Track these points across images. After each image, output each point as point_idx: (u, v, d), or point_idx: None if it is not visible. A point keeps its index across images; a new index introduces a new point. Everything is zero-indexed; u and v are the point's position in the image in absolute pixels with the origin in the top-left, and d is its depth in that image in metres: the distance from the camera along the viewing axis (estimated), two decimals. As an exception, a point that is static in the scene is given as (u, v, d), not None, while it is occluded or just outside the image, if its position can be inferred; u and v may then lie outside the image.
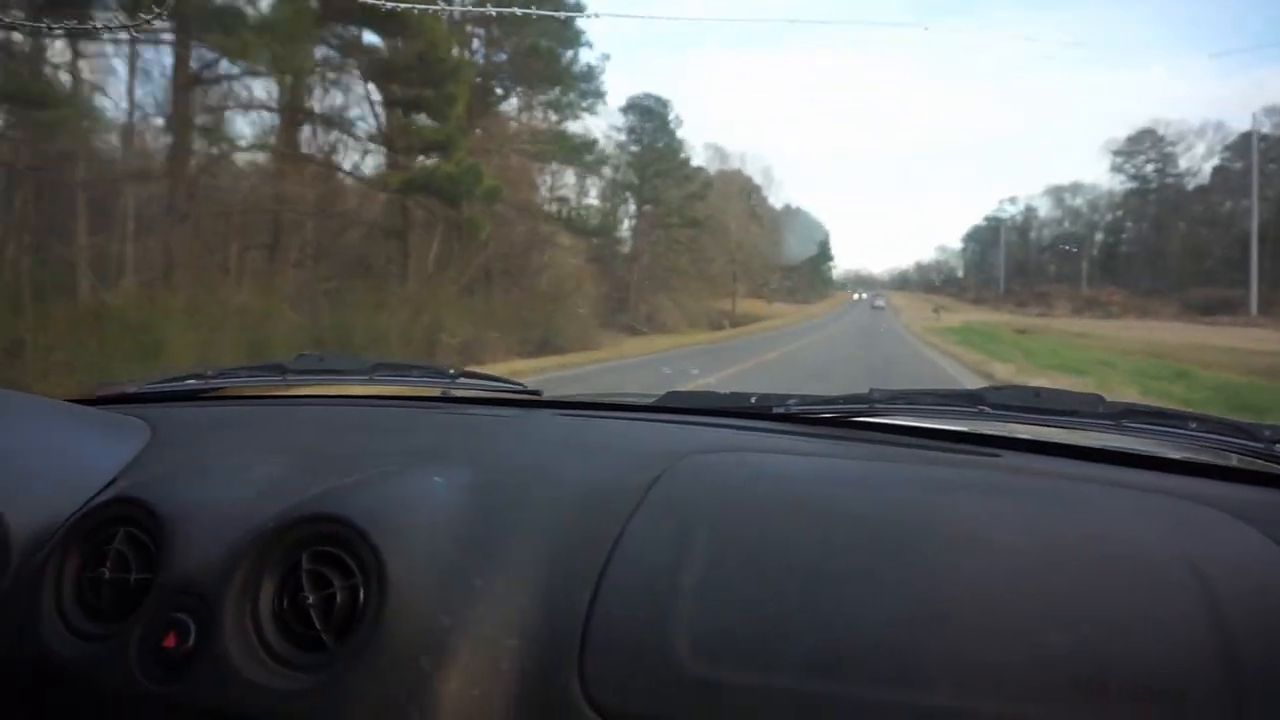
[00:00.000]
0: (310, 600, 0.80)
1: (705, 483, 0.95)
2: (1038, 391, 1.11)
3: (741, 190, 35.47)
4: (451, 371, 1.45)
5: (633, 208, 30.10)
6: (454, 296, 16.75)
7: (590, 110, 22.80)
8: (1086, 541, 0.82)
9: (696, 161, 33.53)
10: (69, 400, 1.40)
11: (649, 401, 1.37)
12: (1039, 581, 0.77)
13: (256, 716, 0.78)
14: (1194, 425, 1.05)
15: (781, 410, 1.21)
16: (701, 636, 0.76)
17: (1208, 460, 1.03)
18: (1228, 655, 0.69)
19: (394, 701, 0.76)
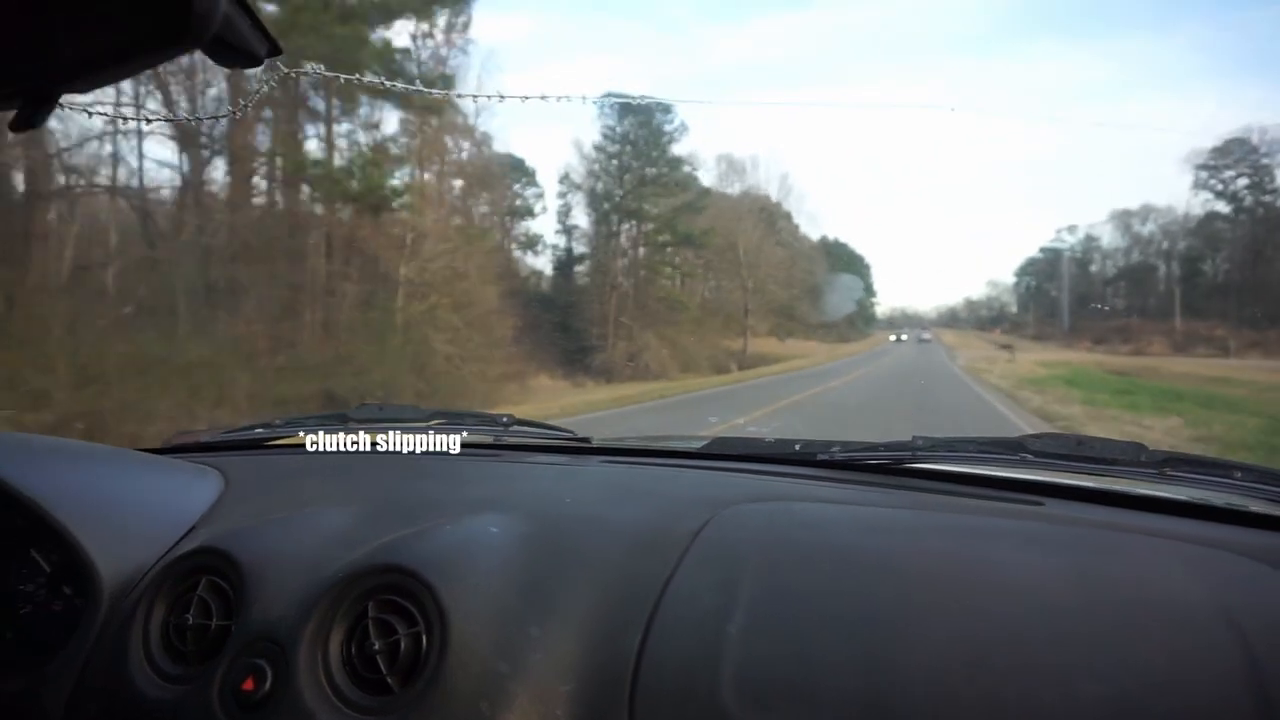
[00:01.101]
0: (377, 647, 0.86)
1: (750, 531, 0.99)
2: (1080, 439, 1.13)
3: (761, 210, 31.60)
4: (505, 420, 1.51)
5: (617, 226, 25.66)
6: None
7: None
8: (1124, 591, 0.83)
9: (705, 180, 29.12)
10: (144, 450, 1.48)
11: (695, 448, 1.41)
12: (1075, 630, 0.79)
13: None
14: (1239, 474, 1.05)
15: (825, 457, 1.24)
16: (747, 682, 0.79)
17: (1251, 509, 1.03)
18: (1264, 711, 0.70)
19: None
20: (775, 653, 0.81)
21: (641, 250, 26.32)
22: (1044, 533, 0.98)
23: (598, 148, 25.75)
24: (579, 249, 26.62)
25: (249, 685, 0.86)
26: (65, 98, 0.57)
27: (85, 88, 0.55)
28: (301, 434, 1.58)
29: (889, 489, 1.15)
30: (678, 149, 26.05)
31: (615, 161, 25.89)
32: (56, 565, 1.20)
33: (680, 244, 26.58)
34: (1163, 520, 1.00)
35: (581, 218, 26.41)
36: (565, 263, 26.28)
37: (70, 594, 1.17)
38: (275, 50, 0.56)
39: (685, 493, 1.14)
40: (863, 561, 0.91)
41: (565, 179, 26.60)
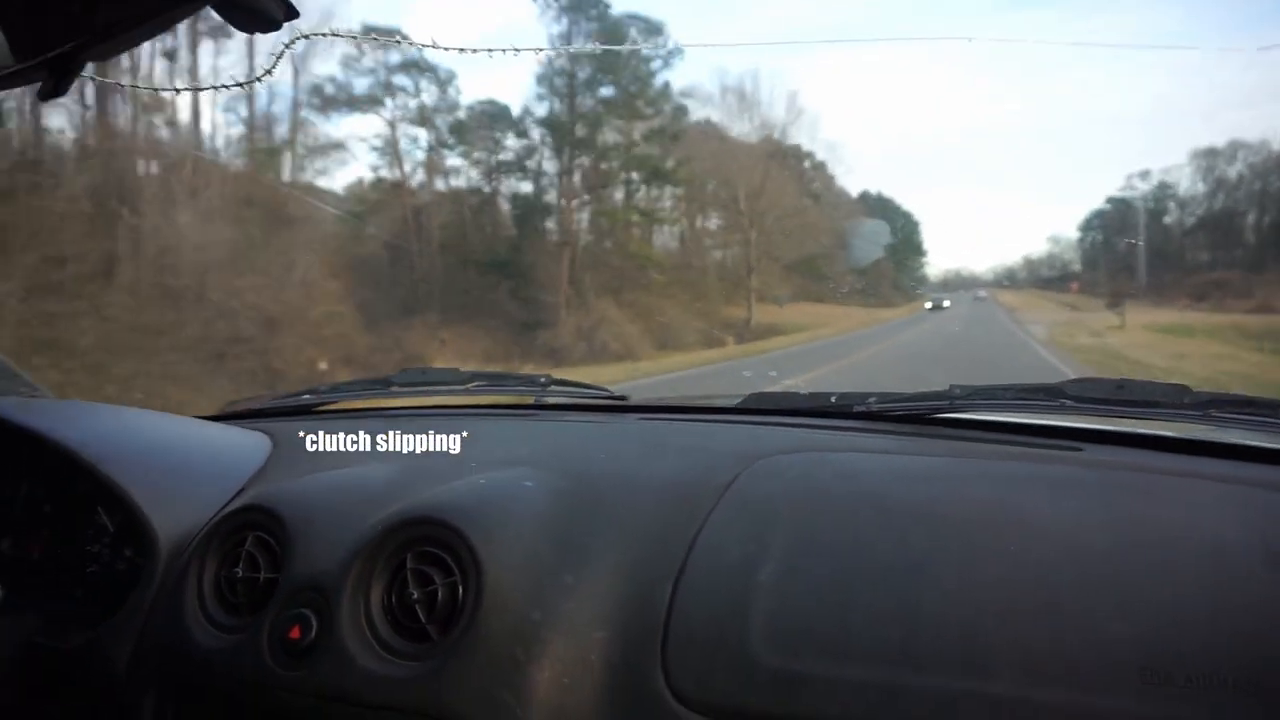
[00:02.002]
0: (415, 596, 0.89)
1: (783, 481, 0.99)
2: (1121, 383, 1.10)
3: (773, 150, 25.02)
4: (543, 380, 1.53)
5: (569, 163, 19.64)
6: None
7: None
8: (1162, 533, 0.82)
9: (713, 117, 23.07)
10: (200, 417, 1.54)
11: (732, 404, 1.41)
12: (1110, 573, 0.78)
13: (370, 700, 0.86)
14: None
15: (862, 409, 1.23)
16: (778, 628, 0.80)
17: None
18: None
19: (492, 688, 0.82)
20: (807, 601, 0.82)
21: (603, 194, 20.51)
22: (1082, 478, 0.96)
23: (550, 62, 19.92)
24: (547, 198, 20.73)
25: (295, 634, 0.90)
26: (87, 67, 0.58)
27: (107, 54, 0.56)
28: (347, 398, 1.63)
29: (925, 438, 1.14)
30: (672, 81, 21.21)
31: (566, 80, 19.88)
32: (119, 526, 1.26)
33: (648, 181, 21.24)
34: (1206, 463, 0.98)
35: (550, 162, 20.62)
36: (525, 216, 20.77)
37: (131, 554, 1.23)
38: (292, 13, 0.56)
39: (719, 446, 1.15)
40: (897, 509, 0.91)
41: (527, 113, 20.82)
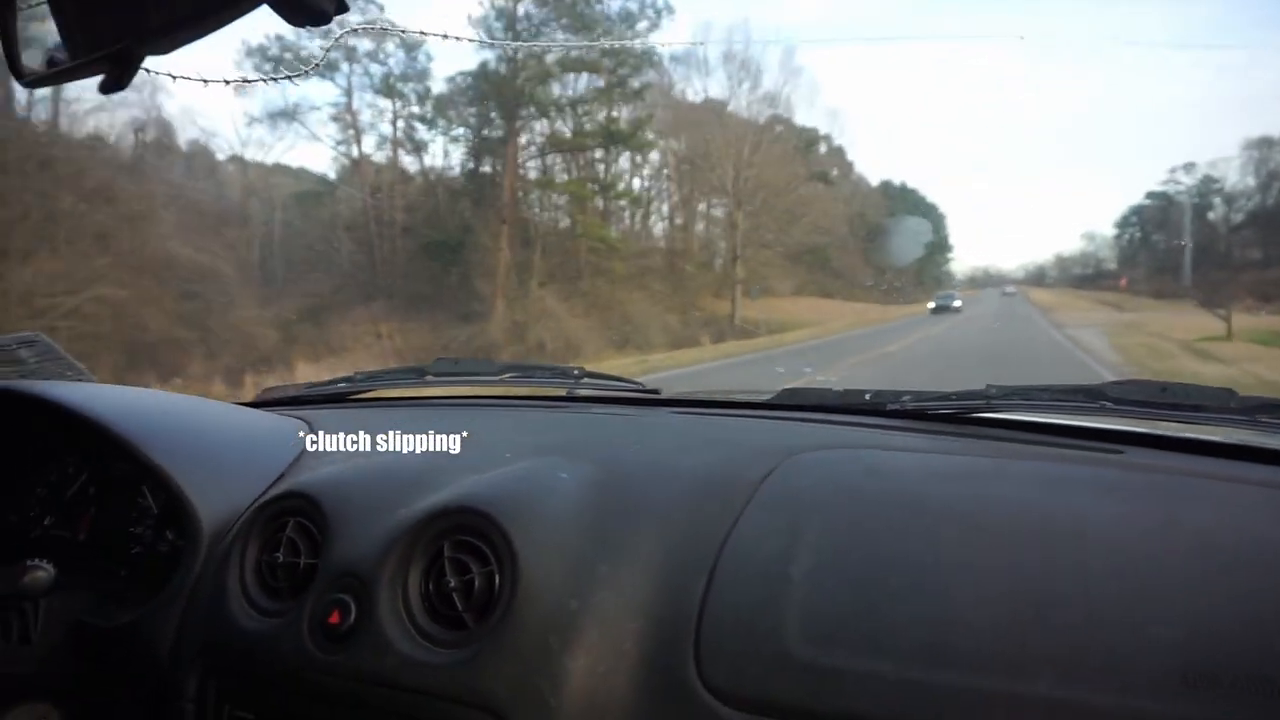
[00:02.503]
0: (452, 584, 0.90)
1: (818, 477, 0.99)
2: (1164, 386, 1.09)
3: (769, 121, 22.12)
4: (576, 372, 1.54)
5: (507, 127, 16.75)
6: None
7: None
8: (1206, 537, 0.81)
9: (714, 91, 20.70)
10: (239, 404, 1.57)
11: (765, 399, 1.41)
12: (1152, 575, 0.77)
13: (407, 685, 0.88)
14: None
15: (896, 407, 1.23)
16: (812, 623, 0.80)
17: None
18: None
19: (527, 676, 0.83)
20: (841, 596, 0.82)
21: (552, 162, 16.74)
22: (1123, 480, 0.95)
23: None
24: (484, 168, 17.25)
25: (335, 618, 0.92)
26: (147, 60, 0.60)
27: (166, 48, 0.57)
28: (381, 387, 1.65)
29: (961, 438, 1.14)
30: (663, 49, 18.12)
31: (506, 23, 16.61)
32: (162, 509, 1.28)
33: (605, 146, 17.65)
34: (1252, 468, 0.96)
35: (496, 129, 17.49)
36: (479, 193, 17.48)
37: (173, 537, 1.26)
38: (343, 7, 0.56)
39: (752, 441, 1.15)
40: (932, 508, 0.90)
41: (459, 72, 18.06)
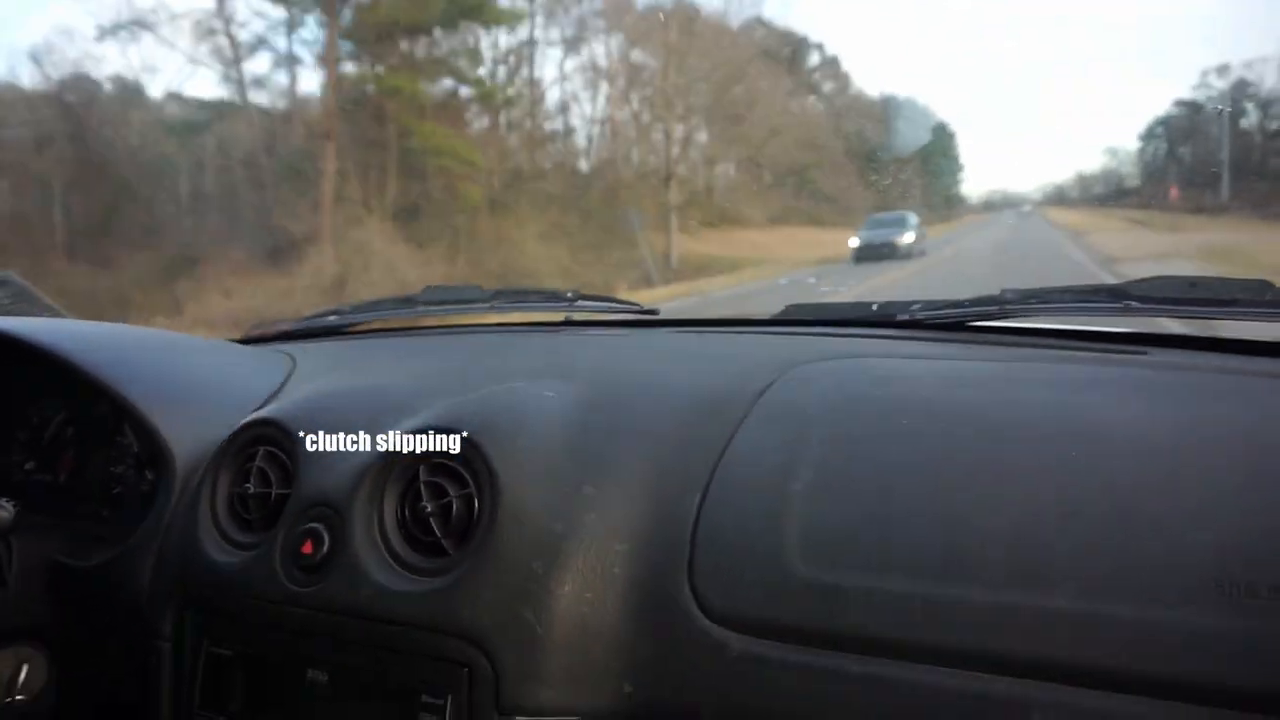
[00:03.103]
0: (429, 509, 0.85)
1: (821, 388, 0.92)
2: (1193, 281, 1.01)
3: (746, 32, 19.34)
4: (570, 295, 1.47)
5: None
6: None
7: None
8: (1240, 437, 0.74)
9: None
10: (226, 340, 1.52)
11: (767, 316, 1.34)
12: (1184, 478, 0.70)
13: (385, 615, 0.83)
14: None
15: (905, 316, 1.16)
16: (813, 539, 0.74)
17: None
18: None
19: (510, 603, 0.78)
20: (845, 510, 0.76)
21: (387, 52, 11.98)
22: (1150, 380, 0.88)
23: None
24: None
25: (308, 548, 0.87)
26: None
27: None
28: (372, 318, 1.59)
29: (976, 345, 1.07)
30: None
31: None
32: (142, 447, 1.24)
33: (451, 25, 12.74)
34: None
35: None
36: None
37: (153, 475, 1.22)
38: None
39: (752, 355, 1.09)
40: (943, 414, 0.84)
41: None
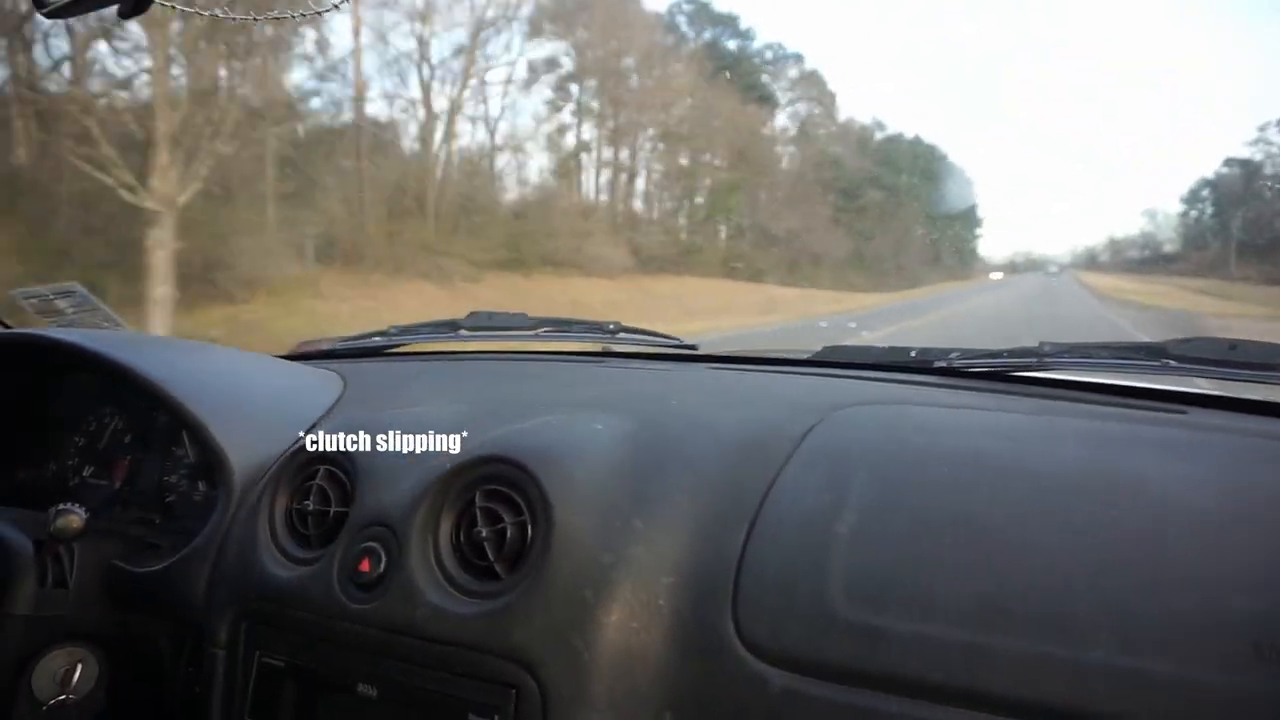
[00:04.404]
0: (484, 534, 0.88)
1: (863, 432, 0.95)
2: (1233, 344, 1.02)
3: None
4: (611, 327, 1.51)
5: None
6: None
7: None
8: (1278, 502, 0.76)
9: None
10: (276, 356, 1.56)
11: (806, 356, 1.37)
12: (1222, 540, 0.72)
13: (437, 635, 0.86)
14: None
15: (943, 364, 1.18)
16: (856, 580, 0.76)
17: None
18: None
19: (559, 629, 0.81)
20: (887, 554, 0.78)
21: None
22: (1189, 441, 0.90)
23: None
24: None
25: (364, 566, 0.90)
26: None
27: None
28: (415, 341, 1.63)
29: (1013, 396, 1.09)
30: None
31: None
32: (197, 458, 1.28)
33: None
34: None
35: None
36: None
37: (205, 487, 1.26)
38: None
39: (794, 396, 1.11)
40: (984, 465, 0.86)
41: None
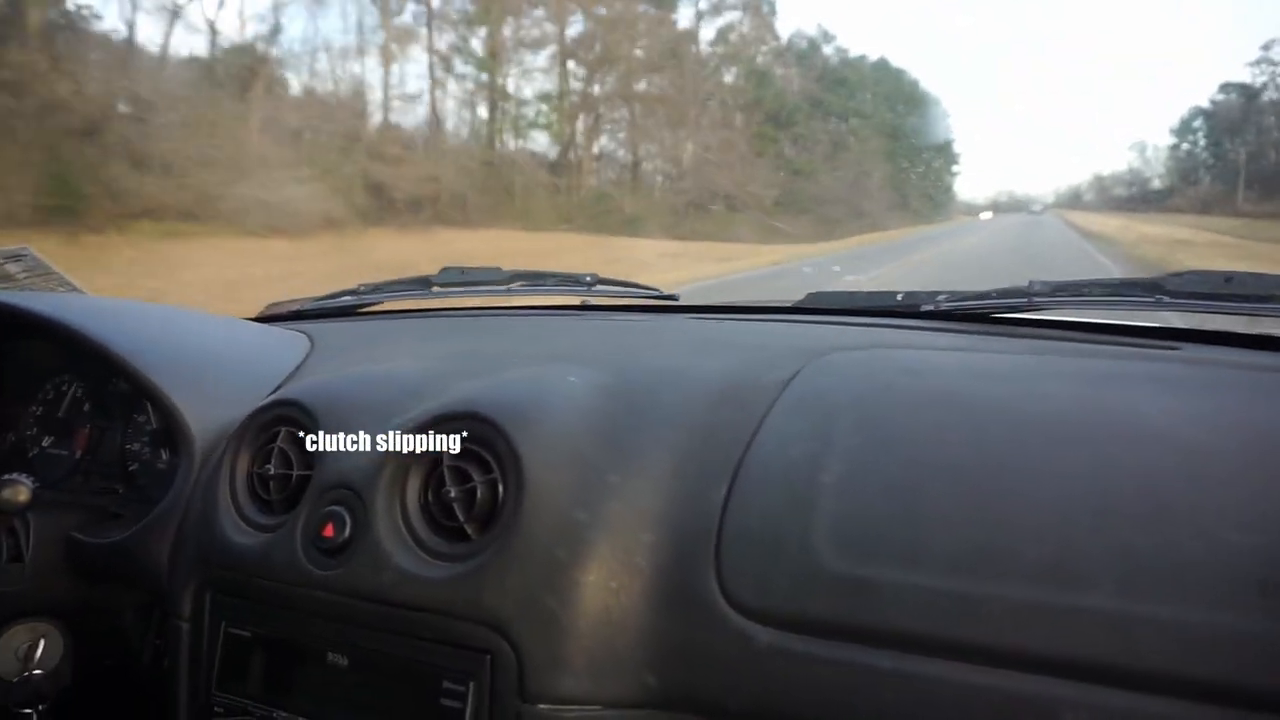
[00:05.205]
0: (452, 494, 0.84)
1: (848, 378, 0.91)
2: (1229, 276, 0.99)
3: None
4: (588, 279, 1.46)
5: None
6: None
7: None
8: (1277, 436, 0.73)
9: None
10: (243, 319, 1.51)
11: (789, 304, 1.33)
12: (1222, 477, 0.69)
13: (406, 600, 0.82)
14: None
15: (930, 307, 1.15)
16: (843, 531, 0.73)
17: None
18: None
19: (533, 590, 0.78)
20: (875, 503, 0.75)
21: None
22: (1182, 375, 0.87)
23: None
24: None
25: (329, 531, 0.86)
26: None
27: None
28: (387, 299, 1.58)
29: (1003, 337, 1.05)
30: None
31: None
32: (159, 425, 1.24)
33: None
34: None
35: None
36: None
37: (169, 455, 1.21)
38: None
39: (777, 343, 1.08)
40: (974, 407, 0.82)
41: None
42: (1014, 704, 0.64)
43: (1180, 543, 0.65)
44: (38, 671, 1.08)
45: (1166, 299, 1.01)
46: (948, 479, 0.74)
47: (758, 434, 0.84)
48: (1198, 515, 0.66)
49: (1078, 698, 0.62)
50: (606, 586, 0.77)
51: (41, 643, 1.08)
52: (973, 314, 1.12)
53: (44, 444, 1.34)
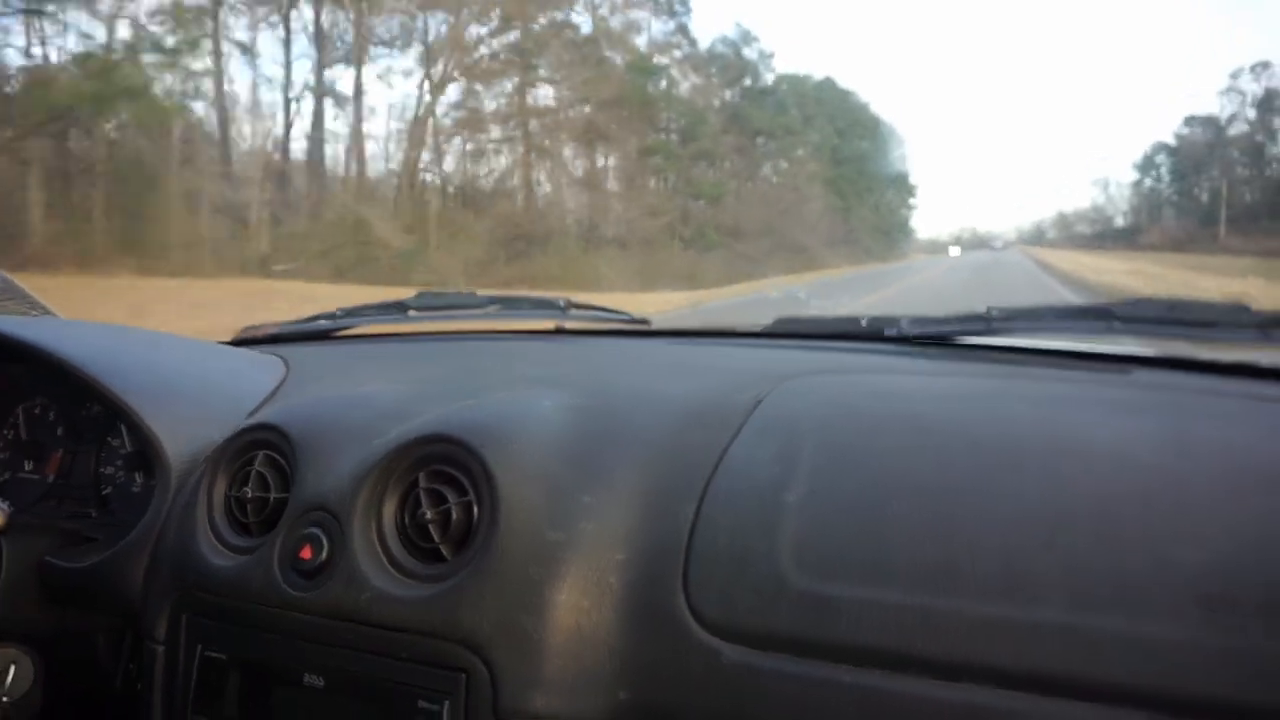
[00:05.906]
0: (428, 516, 0.86)
1: (813, 401, 0.94)
2: (1173, 303, 1.04)
3: None
4: (562, 303, 1.49)
5: None
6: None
7: None
8: (1221, 455, 0.77)
9: None
10: (218, 342, 1.52)
11: (759, 328, 1.36)
12: (1169, 495, 0.73)
13: (383, 620, 0.84)
14: None
15: (894, 332, 1.19)
16: (807, 550, 0.75)
17: None
18: None
19: (508, 609, 0.79)
20: (839, 522, 0.77)
21: None
22: (1134, 399, 0.91)
23: None
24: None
25: (306, 553, 0.88)
26: None
27: None
28: (363, 324, 1.60)
29: (963, 361, 1.09)
30: None
31: None
32: (133, 449, 1.24)
33: None
34: (1267, 386, 0.92)
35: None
36: None
37: (144, 478, 1.21)
38: None
39: (745, 367, 1.11)
40: (934, 429, 0.86)
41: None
42: (974, 717, 0.66)
43: (1129, 559, 0.68)
44: (6, 699, 1.08)
45: (1118, 324, 1.06)
46: (909, 499, 0.77)
47: (726, 455, 0.86)
48: (1143, 532, 0.70)
49: (1033, 709, 0.65)
50: (579, 605, 0.79)
51: (11, 669, 1.07)
52: (934, 339, 1.15)
53: (16, 468, 1.34)
